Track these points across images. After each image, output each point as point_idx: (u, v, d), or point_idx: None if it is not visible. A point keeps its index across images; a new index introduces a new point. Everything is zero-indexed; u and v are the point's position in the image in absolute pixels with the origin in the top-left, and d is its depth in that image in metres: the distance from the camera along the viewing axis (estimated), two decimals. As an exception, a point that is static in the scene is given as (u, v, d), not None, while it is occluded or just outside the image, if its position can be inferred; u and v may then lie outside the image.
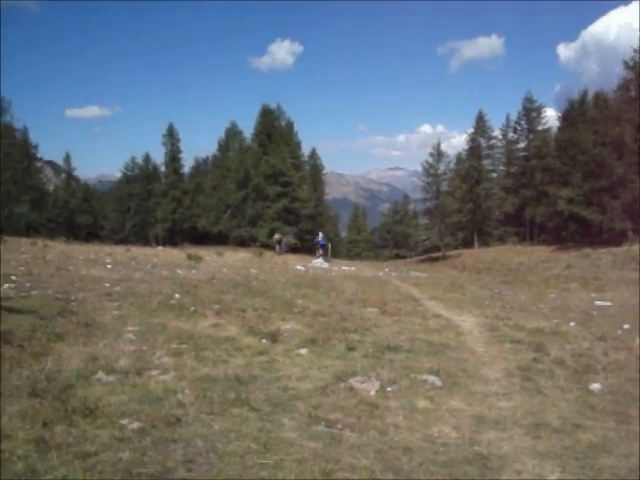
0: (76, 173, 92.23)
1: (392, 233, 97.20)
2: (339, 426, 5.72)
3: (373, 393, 6.90)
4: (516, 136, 68.95)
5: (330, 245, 49.02)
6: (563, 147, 54.09)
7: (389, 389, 7.06)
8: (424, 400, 6.74)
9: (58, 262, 21.42)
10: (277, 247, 48.08)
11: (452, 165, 66.64)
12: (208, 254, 35.78)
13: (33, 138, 71.66)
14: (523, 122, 67.50)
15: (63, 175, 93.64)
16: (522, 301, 19.42)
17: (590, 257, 41.36)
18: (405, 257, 78.35)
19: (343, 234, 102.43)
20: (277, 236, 51.49)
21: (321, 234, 45.15)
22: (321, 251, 42.39)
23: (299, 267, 29.20)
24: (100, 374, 6.92)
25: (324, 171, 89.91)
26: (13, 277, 15.12)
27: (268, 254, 41.43)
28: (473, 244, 66.03)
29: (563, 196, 49.80)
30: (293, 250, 53.39)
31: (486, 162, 69.97)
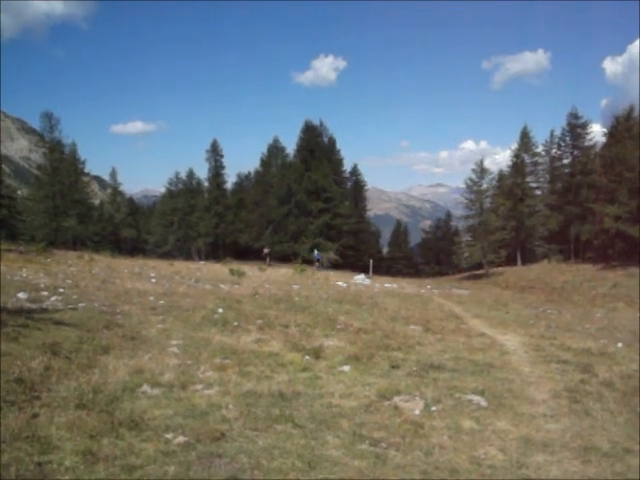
0: (121, 188, 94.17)
1: (434, 250, 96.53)
2: (384, 445, 5.66)
3: (417, 412, 6.80)
4: (560, 152, 68.02)
5: (371, 262, 48.97)
6: (609, 163, 53.02)
7: (434, 408, 6.96)
8: (469, 420, 6.62)
9: (104, 275, 21.78)
10: (316, 264, 49.58)
11: (495, 182, 65.94)
12: (250, 269, 36.00)
13: (81, 154, 73.11)
14: (568, 138, 66.55)
15: (109, 190, 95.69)
16: (567, 320, 19.02)
17: (637, 276, 40.36)
18: (447, 274, 77.58)
19: (384, 250, 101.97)
20: (266, 250, 53.13)
21: (316, 251, 54.40)
22: (317, 264, 49.48)
23: (341, 283, 29.12)
24: (145, 387, 6.99)
25: (366, 187, 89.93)
26: (61, 290, 15.41)
27: (310, 270, 41.43)
28: (516, 262, 65.11)
29: (609, 213, 48.74)
30: (334, 266, 53.39)
31: (530, 179, 69.01)
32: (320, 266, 48.58)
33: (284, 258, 61.88)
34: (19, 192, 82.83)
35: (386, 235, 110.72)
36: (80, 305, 12.81)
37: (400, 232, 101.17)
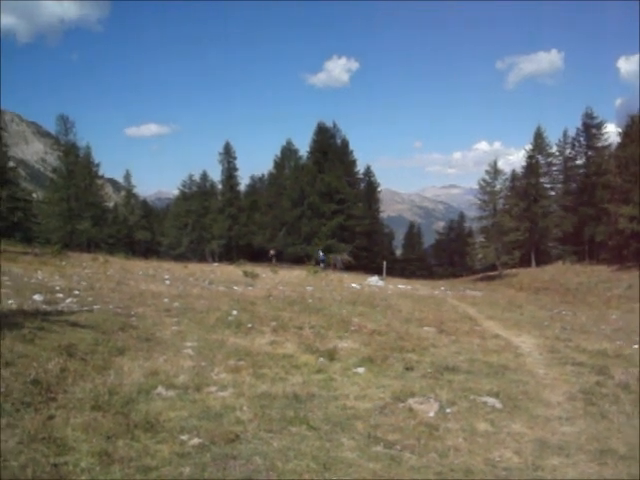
0: (135, 190, 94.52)
1: (447, 251, 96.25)
2: (398, 447, 5.63)
3: (432, 414, 6.78)
4: (574, 152, 67.57)
5: (385, 263, 48.93)
6: (624, 163, 52.50)
7: (448, 410, 6.93)
8: (484, 423, 6.58)
9: (118, 277, 21.88)
10: (321, 264, 50.21)
11: (509, 183, 65.60)
12: (264, 271, 36.05)
13: (95, 156, 73.41)
14: (582, 138, 66.12)
15: (123, 192, 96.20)
16: (583, 322, 18.90)
17: (652, 277, 39.96)
18: (461, 275, 77.20)
19: (398, 252, 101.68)
20: (272, 251, 53.67)
21: (320, 252, 55.01)
22: (322, 264, 50.04)
23: (354, 285, 29.07)
24: (160, 389, 7.01)
25: (379, 189, 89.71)
26: (76, 292, 15.50)
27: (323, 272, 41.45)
28: (530, 263, 64.71)
29: (624, 214, 48.26)
30: (347, 268, 53.31)
31: (544, 179, 68.63)
32: (325, 267, 48.64)
33: (297, 260, 61.94)
34: (34, 195, 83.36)
35: (399, 236, 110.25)
36: (95, 307, 12.88)
37: (413, 233, 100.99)
